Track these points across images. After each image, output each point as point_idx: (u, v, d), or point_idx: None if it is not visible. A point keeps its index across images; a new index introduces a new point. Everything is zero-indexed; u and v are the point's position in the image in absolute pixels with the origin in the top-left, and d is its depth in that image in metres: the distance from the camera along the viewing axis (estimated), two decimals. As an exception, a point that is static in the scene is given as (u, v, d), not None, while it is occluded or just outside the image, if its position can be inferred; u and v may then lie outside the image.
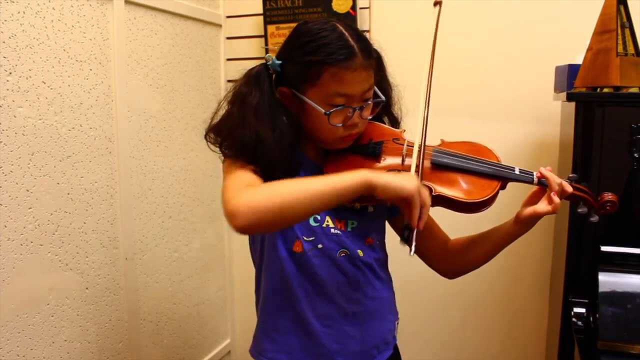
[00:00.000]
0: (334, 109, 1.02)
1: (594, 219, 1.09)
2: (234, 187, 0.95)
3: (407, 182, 0.91)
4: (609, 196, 1.08)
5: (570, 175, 1.09)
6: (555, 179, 1.03)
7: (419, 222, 0.92)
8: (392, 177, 0.92)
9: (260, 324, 1.16)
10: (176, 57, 1.94)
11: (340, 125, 1.04)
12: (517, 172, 1.07)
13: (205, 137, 1.08)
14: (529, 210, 1.04)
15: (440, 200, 1.05)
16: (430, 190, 1.04)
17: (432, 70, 1.08)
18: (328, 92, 1.01)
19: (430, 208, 1.11)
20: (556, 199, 1.02)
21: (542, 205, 1.03)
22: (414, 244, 0.92)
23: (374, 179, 0.90)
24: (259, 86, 1.05)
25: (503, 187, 1.07)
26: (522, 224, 1.06)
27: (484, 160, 1.09)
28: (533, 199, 1.06)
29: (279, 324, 1.11)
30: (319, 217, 1.09)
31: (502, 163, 1.08)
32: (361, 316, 1.11)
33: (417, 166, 1.01)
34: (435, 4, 1.14)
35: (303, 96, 1.04)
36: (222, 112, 1.08)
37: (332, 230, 1.09)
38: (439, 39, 1.10)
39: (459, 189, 1.05)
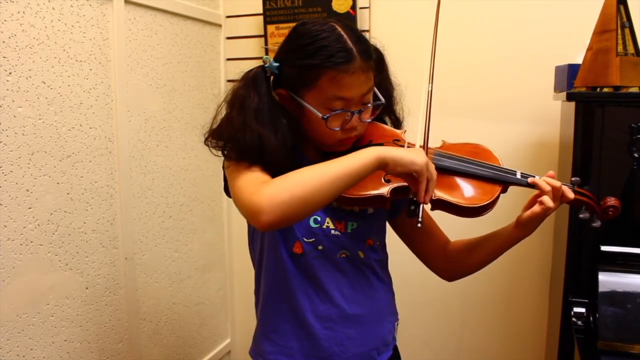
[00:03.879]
0: (332, 113, 1.01)
1: (596, 224, 1.07)
2: (249, 185, 0.94)
3: (417, 156, 0.94)
4: (611, 201, 1.06)
5: (573, 179, 1.08)
6: (548, 183, 1.02)
7: (425, 196, 0.95)
8: (402, 151, 0.94)
9: (260, 326, 1.15)
10: (176, 57, 1.94)
11: (338, 129, 1.03)
12: (518, 176, 1.06)
13: (206, 142, 1.06)
14: (528, 212, 1.04)
15: (440, 205, 1.04)
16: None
17: (434, 60, 1.07)
18: (326, 95, 1.00)
19: (430, 212, 1.12)
20: (544, 198, 1.01)
21: (537, 206, 1.02)
22: (420, 216, 0.95)
23: (386, 154, 0.93)
24: (256, 89, 1.04)
25: (504, 191, 1.06)
26: (523, 228, 1.06)
27: (485, 163, 1.07)
28: (534, 203, 1.05)
29: (279, 326, 1.11)
30: (318, 218, 1.08)
31: (504, 167, 1.07)
32: (362, 318, 1.11)
33: (424, 141, 1.03)
34: None
35: (301, 99, 1.03)
36: (220, 116, 1.07)
37: (333, 231, 1.08)
38: (438, 38, 1.09)
39: (460, 193, 1.04)
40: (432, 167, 0.96)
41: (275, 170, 1.00)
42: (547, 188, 1.02)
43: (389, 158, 0.93)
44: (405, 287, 1.44)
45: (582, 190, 1.07)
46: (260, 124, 1.01)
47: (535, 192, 1.06)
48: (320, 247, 1.08)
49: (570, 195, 1.04)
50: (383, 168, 0.93)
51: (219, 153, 1.06)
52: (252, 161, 1.00)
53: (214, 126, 1.06)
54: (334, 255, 1.08)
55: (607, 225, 1.10)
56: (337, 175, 0.91)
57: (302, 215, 0.93)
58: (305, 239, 1.07)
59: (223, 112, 1.07)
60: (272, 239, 1.09)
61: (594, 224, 1.08)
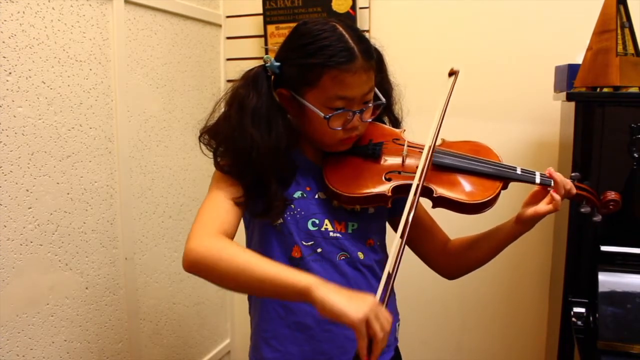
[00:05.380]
0: (334, 113, 1.01)
1: (597, 218, 1.09)
2: (203, 222, 0.98)
3: (353, 308, 0.80)
4: (612, 195, 1.08)
5: (573, 174, 1.09)
6: (563, 180, 1.03)
7: (370, 356, 0.81)
8: (339, 298, 0.82)
9: (259, 331, 1.14)
10: (176, 57, 1.94)
11: (340, 128, 1.03)
12: (519, 172, 1.06)
13: (200, 138, 1.07)
14: (531, 210, 1.03)
15: (441, 202, 1.05)
16: (432, 192, 1.04)
17: (438, 135, 1.06)
18: (328, 95, 1.00)
19: (431, 210, 1.12)
20: (557, 197, 1.02)
21: (543, 205, 1.02)
22: None
23: (318, 293, 0.82)
24: (256, 88, 1.04)
25: (505, 187, 1.07)
26: (524, 224, 1.06)
27: (486, 160, 1.08)
28: (534, 199, 1.06)
29: (278, 332, 1.10)
30: (317, 221, 1.08)
31: (504, 163, 1.08)
32: None
33: (384, 294, 0.89)
34: (450, 74, 1.13)
35: (302, 99, 1.03)
36: (217, 113, 1.07)
37: (332, 233, 1.08)
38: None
39: (461, 190, 1.05)
40: (380, 324, 0.80)
41: (264, 173, 1.00)
42: (562, 190, 1.03)
43: (318, 297, 0.82)
44: (405, 287, 1.44)
45: (583, 185, 1.08)
46: (256, 126, 1.01)
47: (535, 188, 1.06)
48: (319, 250, 1.07)
49: (573, 190, 1.05)
50: (308, 302, 0.84)
51: (210, 153, 1.06)
52: (239, 170, 1.01)
53: (211, 123, 1.06)
54: (333, 257, 1.08)
55: (607, 225, 1.11)
56: (263, 278, 0.88)
57: (215, 283, 0.95)
58: (303, 243, 1.07)
59: (221, 110, 1.07)
60: (268, 246, 1.08)
61: (594, 218, 1.09)
